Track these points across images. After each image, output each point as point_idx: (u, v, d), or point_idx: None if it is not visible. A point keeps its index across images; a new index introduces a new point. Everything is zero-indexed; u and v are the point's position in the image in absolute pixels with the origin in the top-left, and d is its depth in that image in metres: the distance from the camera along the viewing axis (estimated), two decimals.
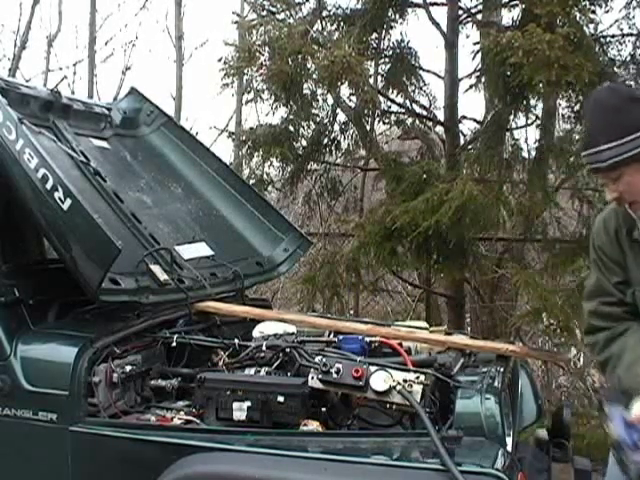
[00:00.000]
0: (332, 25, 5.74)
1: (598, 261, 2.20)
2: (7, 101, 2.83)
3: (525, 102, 5.08)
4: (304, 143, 5.91)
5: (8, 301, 2.74)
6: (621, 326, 2.16)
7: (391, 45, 5.79)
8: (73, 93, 9.88)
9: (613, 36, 5.28)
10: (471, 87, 5.65)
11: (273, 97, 5.60)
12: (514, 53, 4.36)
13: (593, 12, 4.85)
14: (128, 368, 2.71)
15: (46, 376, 2.61)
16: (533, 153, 5.43)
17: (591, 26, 4.92)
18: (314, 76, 5.25)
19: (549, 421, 3.32)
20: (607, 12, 5.09)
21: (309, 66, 5.23)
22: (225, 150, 13.94)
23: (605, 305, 2.19)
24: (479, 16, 5.70)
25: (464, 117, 5.94)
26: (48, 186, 2.61)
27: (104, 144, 3.77)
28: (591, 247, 2.24)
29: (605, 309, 2.19)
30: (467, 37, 5.74)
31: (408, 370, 2.60)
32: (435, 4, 5.69)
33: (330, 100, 5.80)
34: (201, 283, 3.27)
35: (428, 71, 5.90)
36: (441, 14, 5.66)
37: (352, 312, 7.06)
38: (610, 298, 2.18)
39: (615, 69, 5.12)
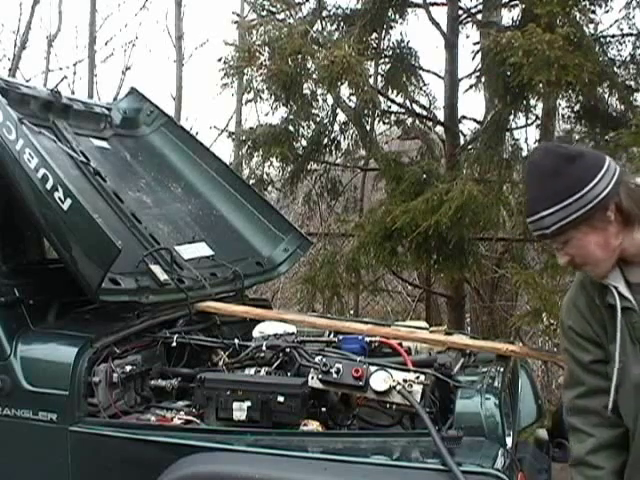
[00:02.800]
0: (332, 25, 5.75)
1: (569, 344, 1.97)
2: (7, 101, 2.83)
3: (525, 102, 5.08)
4: (304, 143, 5.92)
5: (8, 301, 2.74)
6: (595, 452, 1.93)
7: (391, 45, 5.80)
8: (73, 93, 9.88)
9: (613, 36, 5.28)
10: (471, 87, 5.66)
11: (273, 97, 5.60)
12: (514, 53, 4.36)
13: (593, 12, 4.86)
14: (128, 368, 2.71)
15: (46, 376, 2.61)
16: None
17: (591, 26, 4.94)
18: (314, 76, 5.25)
19: (549, 421, 3.33)
20: (607, 12, 5.10)
21: (309, 66, 5.23)
22: (225, 150, 13.97)
23: (580, 398, 1.95)
24: (479, 16, 5.71)
25: (464, 117, 5.95)
26: (48, 186, 2.61)
27: (104, 144, 3.77)
28: (561, 334, 2.02)
29: (580, 402, 1.95)
30: (467, 37, 5.77)
31: (408, 370, 2.60)
32: (435, 4, 5.69)
33: (330, 100, 5.81)
34: (201, 283, 3.27)
35: (428, 71, 5.91)
36: (441, 14, 5.68)
37: (352, 312, 7.06)
38: (582, 388, 1.94)
39: (615, 69, 5.12)
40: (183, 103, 10.16)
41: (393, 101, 5.86)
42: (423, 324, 3.44)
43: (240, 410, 2.54)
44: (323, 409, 2.61)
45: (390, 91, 5.76)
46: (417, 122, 6.12)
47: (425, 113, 5.98)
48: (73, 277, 2.70)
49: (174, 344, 2.93)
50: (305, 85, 5.47)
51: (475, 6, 5.76)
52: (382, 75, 5.89)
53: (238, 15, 6.95)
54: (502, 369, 2.77)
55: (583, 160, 1.80)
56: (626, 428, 1.89)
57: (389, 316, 7.95)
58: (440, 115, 5.89)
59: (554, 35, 4.31)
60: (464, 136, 5.93)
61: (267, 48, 5.34)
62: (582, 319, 1.94)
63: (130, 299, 2.90)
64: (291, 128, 5.78)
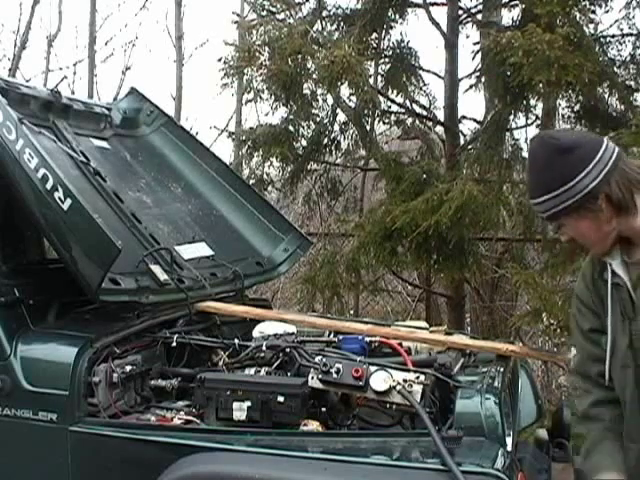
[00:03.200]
0: (332, 25, 5.75)
1: (575, 312, 2.12)
2: (7, 101, 2.83)
3: (525, 102, 5.08)
4: (304, 143, 5.92)
5: (8, 301, 2.74)
6: (596, 405, 2.06)
7: (391, 45, 5.80)
8: (73, 93, 9.88)
9: (613, 36, 5.28)
10: (471, 87, 5.66)
11: (273, 97, 5.60)
12: (514, 53, 4.37)
13: (593, 12, 4.86)
14: (128, 368, 2.71)
15: (46, 376, 2.61)
16: None
17: (591, 26, 4.94)
18: (314, 76, 5.25)
19: (549, 421, 3.33)
20: (607, 12, 5.10)
21: (309, 66, 5.23)
22: (225, 150, 13.98)
23: (580, 362, 2.11)
24: (479, 16, 5.71)
25: (464, 117, 5.95)
26: (48, 186, 2.61)
27: (104, 144, 3.77)
28: (572, 301, 2.16)
29: (580, 366, 2.11)
30: (467, 37, 5.77)
31: (408, 370, 2.60)
32: (435, 4, 5.70)
33: (330, 100, 5.81)
34: (201, 283, 3.27)
35: (428, 71, 5.91)
36: (441, 14, 5.68)
37: (352, 312, 7.06)
38: (582, 353, 2.09)
39: (615, 69, 5.12)
40: (183, 103, 10.17)
41: (393, 101, 5.86)
42: (423, 324, 3.44)
43: (240, 410, 2.54)
44: (323, 409, 2.61)
45: (390, 91, 5.76)
46: (417, 122, 6.12)
47: (425, 113, 5.98)
48: (73, 277, 2.70)
49: (174, 344, 2.93)
50: (305, 85, 5.47)
51: (475, 6, 5.76)
52: (382, 75, 5.89)
53: (238, 15, 6.95)
54: (502, 369, 2.77)
55: (575, 151, 1.88)
56: None
57: (389, 316, 7.95)
58: (440, 115, 5.89)
59: (554, 35, 4.31)
60: (464, 136, 5.93)
61: (267, 48, 5.34)
62: (586, 289, 2.07)
63: (130, 299, 2.90)
64: (291, 128, 5.78)
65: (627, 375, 1.96)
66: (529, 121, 5.62)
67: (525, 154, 5.49)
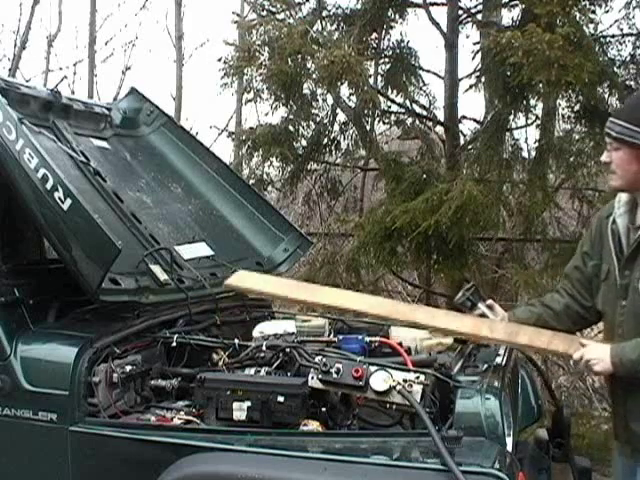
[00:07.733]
0: (332, 25, 5.75)
1: (585, 234, 2.70)
2: (7, 101, 2.83)
3: (525, 102, 5.08)
4: (304, 143, 5.91)
5: (8, 301, 2.74)
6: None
7: (391, 45, 5.79)
8: (73, 93, 9.88)
9: (613, 36, 5.28)
10: (471, 87, 5.65)
11: (273, 97, 5.60)
12: (514, 53, 4.36)
13: (593, 12, 4.85)
14: (128, 368, 2.71)
15: (46, 376, 2.61)
16: (533, 153, 5.44)
17: (591, 26, 4.92)
18: (314, 76, 5.25)
19: (549, 421, 3.33)
20: (607, 12, 5.09)
21: (309, 66, 5.23)
22: (225, 150, 13.98)
23: (569, 267, 2.67)
24: (479, 16, 5.70)
25: (464, 117, 5.94)
26: (48, 186, 2.61)
27: (104, 144, 3.77)
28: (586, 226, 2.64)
29: (568, 270, 2.68)
30: (467, 37, 5.76)
31: (408, 370, 2.60)
32: (435, 4, 5.69)
33: (330, 100, 5.81)
34: (201, 283, 3.27)
35: (428, 71, 5.90)
36: (441, 14, 5.67)
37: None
38: (573, 261, 2.65)
39: (615, 69, 5.12)
40: (183, 103, 10.20)
41: (393, 101, 5.85)
42: None
43: (240, 410, 2.54)
44: (323, 409, 2.60)
45: (390, 91, 5.75)
46: (417, 122, 6.11)
47: (425, 113, 5.97)
48: (73, 277, 2.70)
49: (174, 344, 2.93)
50: (305, 85, 5.47)
51: (475, 6, 5.75)
52: (382, 75, 5.88)
53: (238, 15, 6.94)
54: (502, 369, 2.77)
55: None
56: None
57: None
58: (440, 115, 5.89)
59: (554, 35, 4.31)
60: (464, 136, 5.92)
61: (267, 48, 5.34)
62: (597, 223, 2.60)
63: (130, 299, 2.90)
64: (291, 128, 5.77)
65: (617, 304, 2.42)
66: (529, 121, 5.61)
67: (525, 154, 5.51)
